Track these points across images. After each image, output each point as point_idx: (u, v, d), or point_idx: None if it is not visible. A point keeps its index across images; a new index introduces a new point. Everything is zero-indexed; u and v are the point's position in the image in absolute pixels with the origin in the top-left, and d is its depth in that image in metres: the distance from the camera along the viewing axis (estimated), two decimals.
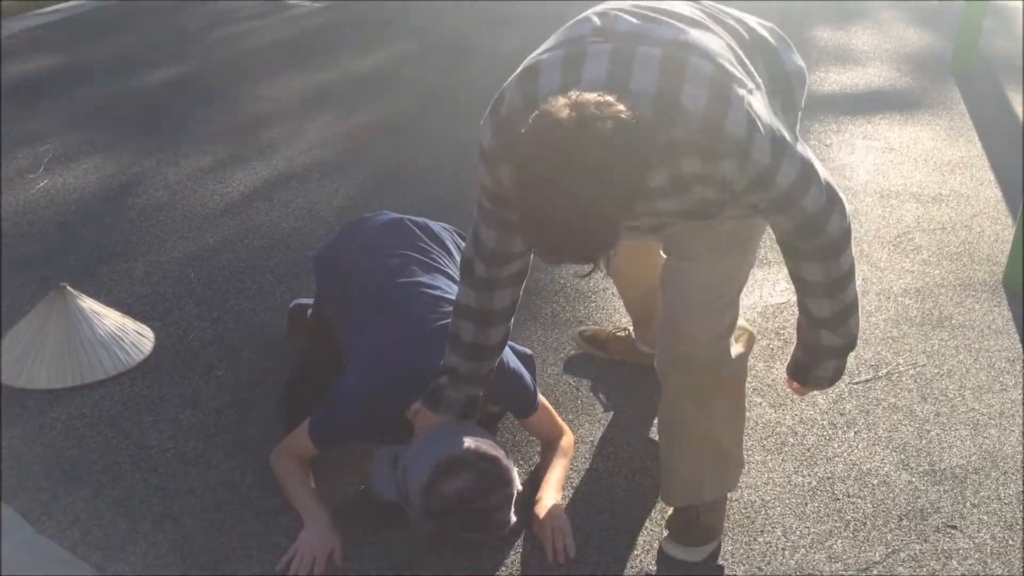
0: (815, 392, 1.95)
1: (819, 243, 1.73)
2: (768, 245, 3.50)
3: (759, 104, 1.61)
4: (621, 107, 1.45)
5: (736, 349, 2.05)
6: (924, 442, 2.49)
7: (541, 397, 2.28)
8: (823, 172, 1.71)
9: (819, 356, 1.91)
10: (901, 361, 2.84)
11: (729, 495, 2.28)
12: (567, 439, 2.34)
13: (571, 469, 2.35)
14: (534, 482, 2.27)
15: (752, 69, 1.69)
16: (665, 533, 2.13)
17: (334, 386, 2.13)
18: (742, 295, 2.55)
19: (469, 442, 1.92)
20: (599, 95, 1.46)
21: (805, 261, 1.77)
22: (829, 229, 1.72)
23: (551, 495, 2.18)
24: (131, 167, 3.95)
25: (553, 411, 2.33)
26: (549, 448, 2.32)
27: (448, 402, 2.01)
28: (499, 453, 1.95)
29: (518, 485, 1.99)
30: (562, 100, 1.47)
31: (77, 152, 4.09)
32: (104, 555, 2.04)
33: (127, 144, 4.19)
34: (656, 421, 2.50)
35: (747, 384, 2.70)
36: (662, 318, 2.00)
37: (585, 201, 1.44)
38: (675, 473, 2.10)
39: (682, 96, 1.54)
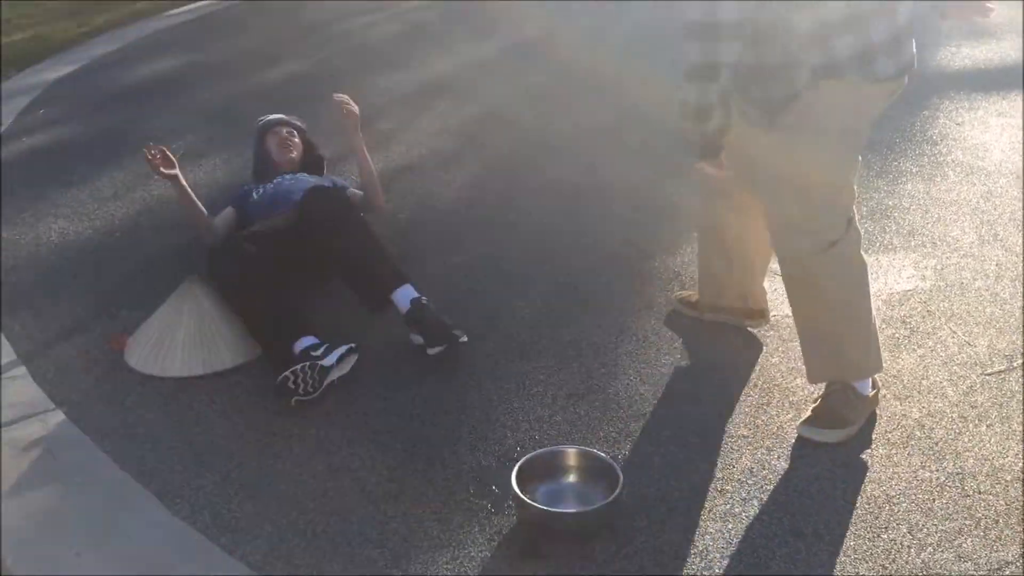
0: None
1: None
2: (893, 230, 3.37)
3: None
4: None
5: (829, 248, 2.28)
6: None
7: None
8: None
9: None
10: None
11: (851, 487, 2.21)
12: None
13: None
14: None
15: None
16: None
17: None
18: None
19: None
20: None
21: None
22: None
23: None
24: None
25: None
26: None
27: None
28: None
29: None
30: None
31: (206, 148, 4.25)
32: (232, 538, 2.12)
33: (250, 139, 4.33)
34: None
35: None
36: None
37: None
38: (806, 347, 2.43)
39: None
